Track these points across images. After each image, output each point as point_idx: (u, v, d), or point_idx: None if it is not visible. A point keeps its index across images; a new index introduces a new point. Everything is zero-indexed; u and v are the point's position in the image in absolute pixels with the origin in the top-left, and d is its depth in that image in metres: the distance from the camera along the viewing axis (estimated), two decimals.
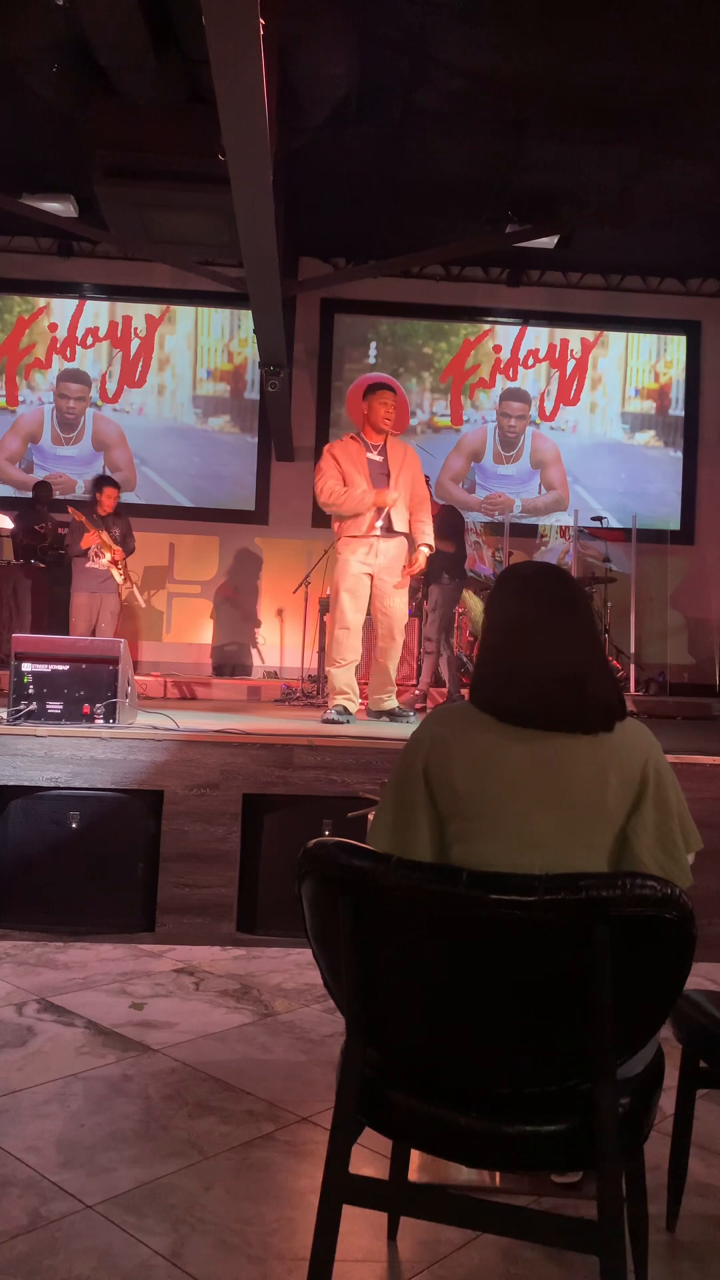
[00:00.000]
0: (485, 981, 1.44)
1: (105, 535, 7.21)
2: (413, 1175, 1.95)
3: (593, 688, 1.66)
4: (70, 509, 7.41)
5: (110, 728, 4.00)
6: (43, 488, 8.96)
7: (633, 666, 8.99)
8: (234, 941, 3.76)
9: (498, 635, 1.77)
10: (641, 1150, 1.66)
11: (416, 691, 7.08)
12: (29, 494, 9.20)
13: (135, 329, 10.32)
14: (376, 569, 5.00)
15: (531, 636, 1.69)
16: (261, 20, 4.13)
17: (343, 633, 4.98)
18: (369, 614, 5.11)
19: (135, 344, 10.32)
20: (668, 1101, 1.79)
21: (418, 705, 6.78)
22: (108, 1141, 2.19)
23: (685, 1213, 1.95)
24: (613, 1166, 1.40)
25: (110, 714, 4.09)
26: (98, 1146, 2.17)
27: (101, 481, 7.48)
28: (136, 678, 5.16)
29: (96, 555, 7.18)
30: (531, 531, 9.85)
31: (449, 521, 7.06)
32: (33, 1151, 2.13)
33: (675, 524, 10.47)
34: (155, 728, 4.07)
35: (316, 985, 3.18)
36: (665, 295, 10.41)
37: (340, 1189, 1.51)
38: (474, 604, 8.11)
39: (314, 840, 1.55)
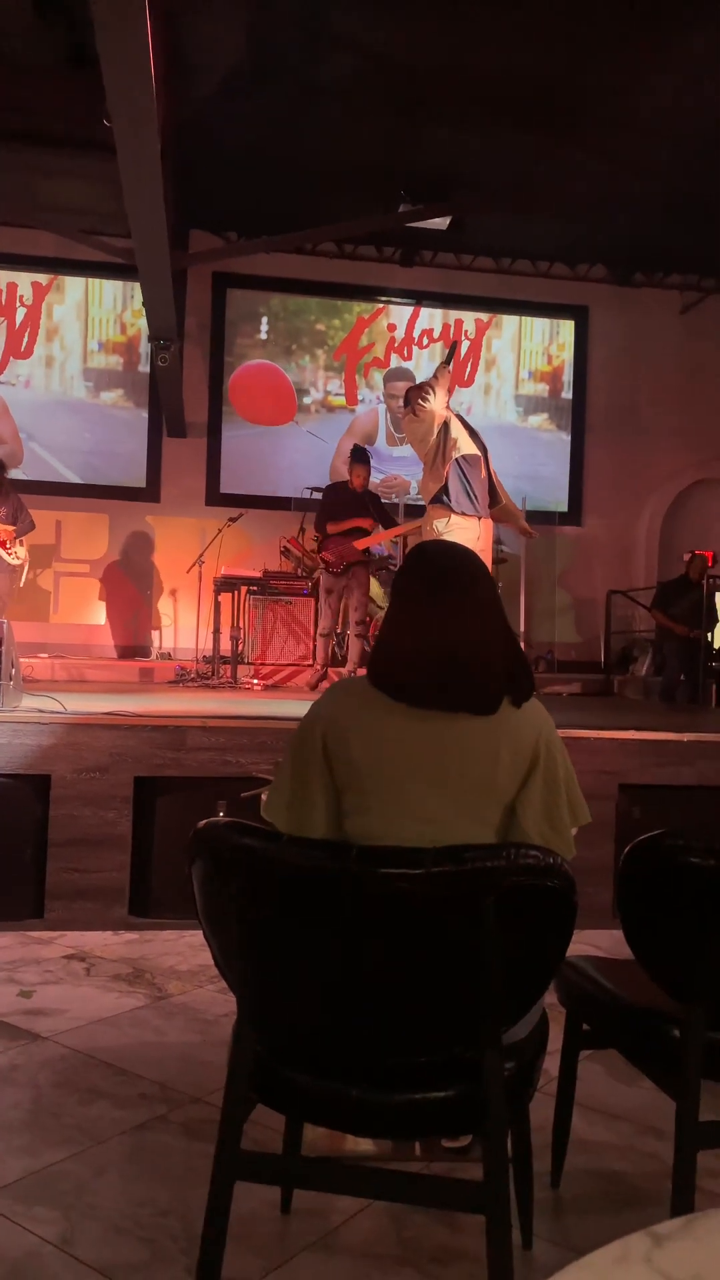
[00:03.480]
0: (375, 954, 1.46)
1: None
2: (305, 1150, 1.97)
3: (482, 670, 1.68)
4: None
5: None
6: None
7: (522, 645, 9.20)
8: (126, 925, 3.72)
9: (395, 615, 1.78)
10: (527, 1112, 1.71)
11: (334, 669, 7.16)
12: None
13: (21, 297, 9.95)
14: None
15: (425, 618, 1.71)
16: None
17: None
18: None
19: (21, 313, 9.95)
20: (552, 1064, 1.85)
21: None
22: None
23: (569, 1169, 2.02)
24: (498, 1129, 1.45)
25: None
26: None
27: None
28: (22, 659, 5.01)
29: None
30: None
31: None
32: None
33: (564, 506, 10.72)
34: (41, 711, 3.96)
35: (210, 966, 3.17)
36: (555, 280, 10.60)
37: (232, 1166, 1.52)
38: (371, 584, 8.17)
39: (204, 821, 1.54)
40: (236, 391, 10.29)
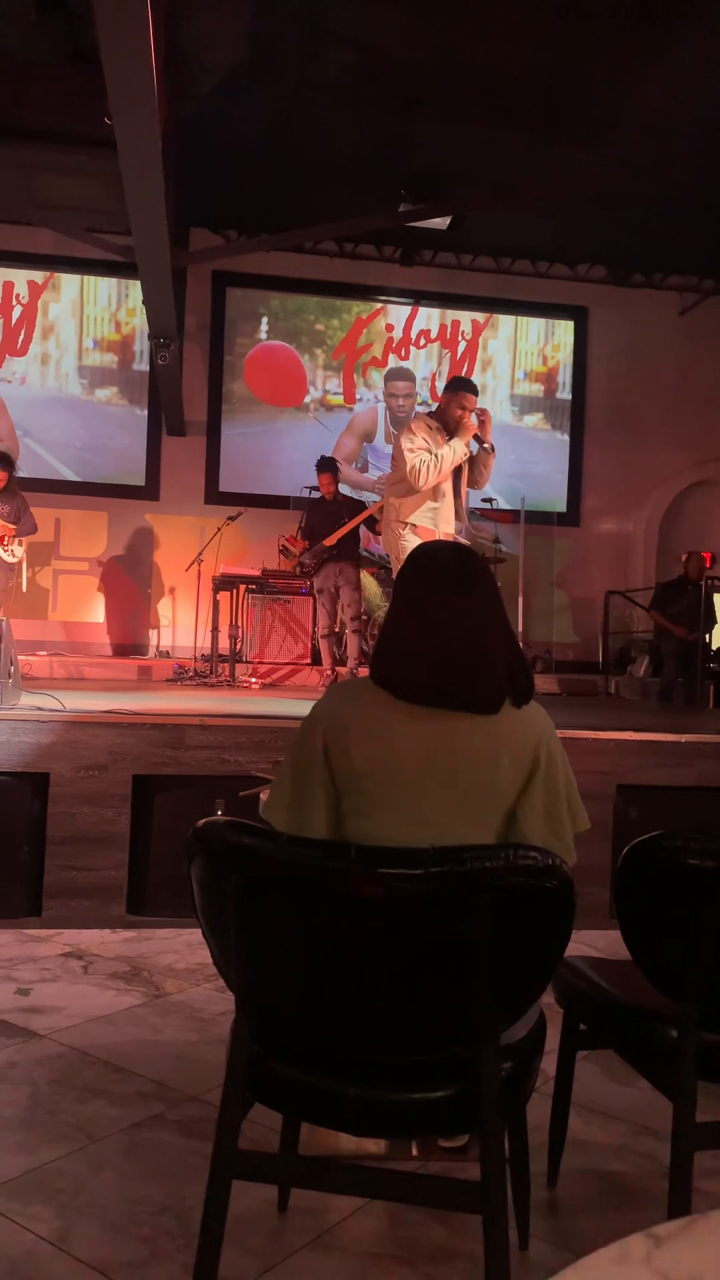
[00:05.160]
0: (373, 954, 1.46)
1: None
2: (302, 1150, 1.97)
3: (487, 669, 1.67)
4: None
5: None
6: None
7: (520, 644, 9.22)
8: (124, 923, 3.72)
9: (399, 613, 1.77)
10: (524, 1112, 1.71)
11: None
12: None
13: (17, 295, 9.95)
14: None
15: (430, 616, 1.70)
16: None
17: None
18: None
19: (17, 311, 9.95)
20: (549, 1064, 1.85)
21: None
22: None
23: (565, 1169, 2.02)
24: (495, 1129, 1.45)
25: None
26: None
27: None
28: (21, 657, 5.01)
29: None
30: None
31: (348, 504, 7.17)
32: None
33: (561, 506, 10.73)
34: (40, 709, 3.96)
35: (208, 964, 3.17)
36: (554, 280, 10.60)
37: (230, 1164, 1.52)
38: (367, 582, 8.18)
39: (203, 819, 1.54)
40: (252, 369, 10.29)
